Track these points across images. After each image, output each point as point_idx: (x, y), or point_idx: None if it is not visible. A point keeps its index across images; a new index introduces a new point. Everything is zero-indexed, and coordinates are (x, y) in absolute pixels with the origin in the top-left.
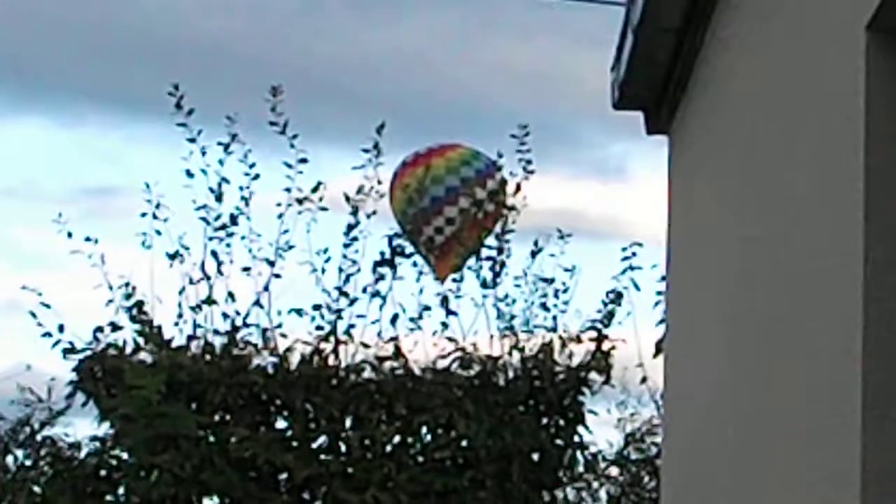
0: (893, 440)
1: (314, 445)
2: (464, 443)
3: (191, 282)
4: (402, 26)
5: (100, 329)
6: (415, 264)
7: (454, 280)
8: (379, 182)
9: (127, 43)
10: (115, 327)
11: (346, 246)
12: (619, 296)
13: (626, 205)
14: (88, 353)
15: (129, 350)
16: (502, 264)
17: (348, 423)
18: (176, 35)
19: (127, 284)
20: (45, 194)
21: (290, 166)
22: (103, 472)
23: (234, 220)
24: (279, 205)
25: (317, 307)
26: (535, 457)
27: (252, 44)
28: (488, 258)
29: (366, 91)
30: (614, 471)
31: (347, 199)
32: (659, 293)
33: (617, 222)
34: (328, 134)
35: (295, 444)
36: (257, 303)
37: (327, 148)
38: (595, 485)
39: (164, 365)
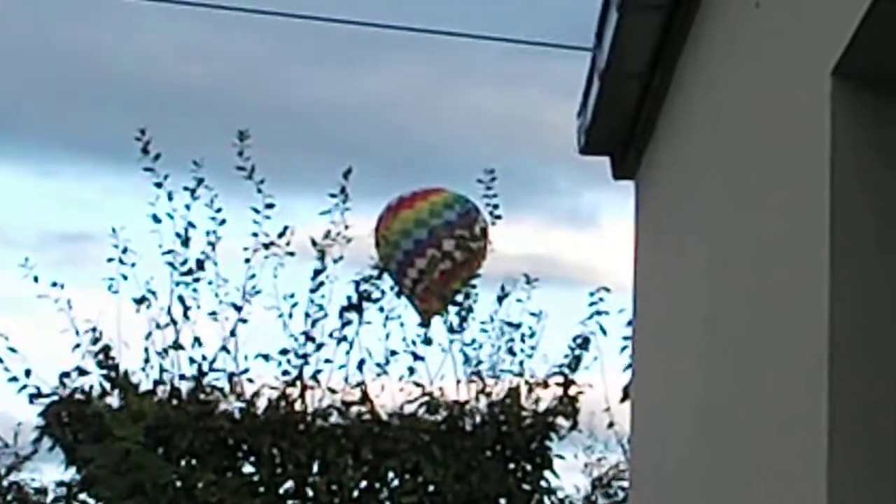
0: (859, 489)
1: (281, 491)
2: (431, 488)
3: (157, 326)
4: (373, 73)
5: (66, 374)
6: (381, 309)
7: (420, 325)
8: (346, 227)
9: (103, 90)
10: (82, 372)
11: (312, 291)
12: (586, 341)
13: (599, 251)
14: (55, 398)
15: (95, 395)
16: (469, 309)
17: (315, 468)
18: (150, 81)
19: (94, 329)
20: (17, 240)
21: (257, 211)
22: None
23: (200, 264)
24: (246, 249)
25: (283, 352)
26: (503, 502)
27: (223, 89)
28: (454, 303)
29: (335, 137)
30: None
31: (314, 243)
32: (626, 338)
33: (589, 269)
34: (296, 179)
35: (262, 489)
36: (224, 348)
37: (295, 193)
38: None
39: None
